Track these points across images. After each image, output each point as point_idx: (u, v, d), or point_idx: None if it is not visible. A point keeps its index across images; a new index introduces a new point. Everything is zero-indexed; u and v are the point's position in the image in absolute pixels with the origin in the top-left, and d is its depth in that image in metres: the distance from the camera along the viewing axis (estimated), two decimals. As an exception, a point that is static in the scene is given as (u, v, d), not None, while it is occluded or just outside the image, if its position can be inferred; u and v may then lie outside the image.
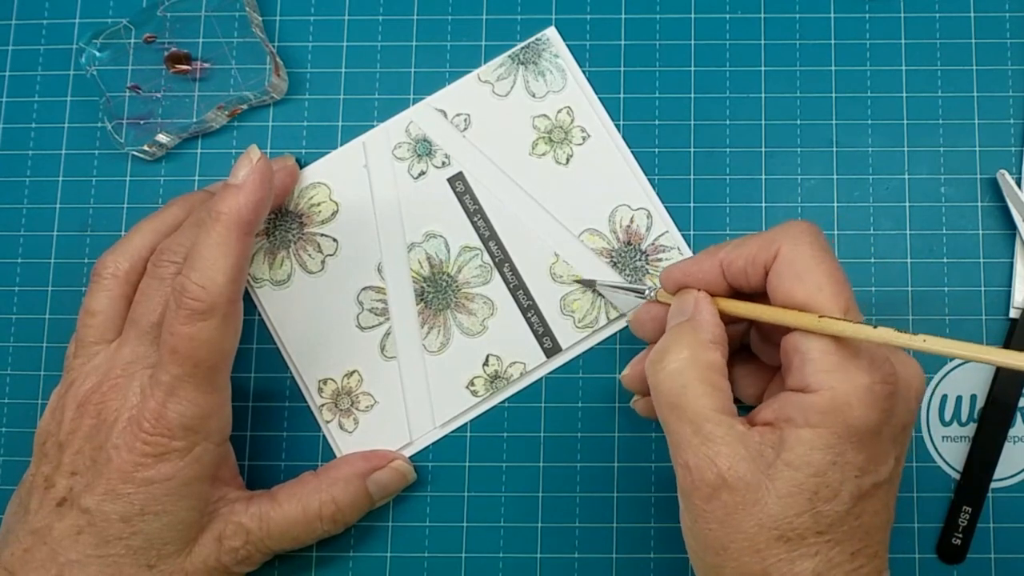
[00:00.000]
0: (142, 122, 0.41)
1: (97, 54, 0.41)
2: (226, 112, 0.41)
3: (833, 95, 0.41)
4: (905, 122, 0.41)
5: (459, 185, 0.40)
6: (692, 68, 0.41)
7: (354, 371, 0.39)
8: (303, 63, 0.42)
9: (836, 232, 0.40)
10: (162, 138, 0.40)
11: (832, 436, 0.28)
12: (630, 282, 0.39)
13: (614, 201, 0.40)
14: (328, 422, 0.39)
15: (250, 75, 0.41)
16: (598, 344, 0.39)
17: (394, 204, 0.40)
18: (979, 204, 0.40)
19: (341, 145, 0.41)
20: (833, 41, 0.41)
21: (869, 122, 0.41)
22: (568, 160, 0.40)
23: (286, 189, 0.39)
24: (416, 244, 0.40)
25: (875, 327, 0.27)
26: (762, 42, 0.41)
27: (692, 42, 0.41)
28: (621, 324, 0.39)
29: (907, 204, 0.40)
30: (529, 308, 0.39)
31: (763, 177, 0.40)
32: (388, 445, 0.39)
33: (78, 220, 0.41)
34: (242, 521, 0.34)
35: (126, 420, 0.32)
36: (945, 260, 0.40)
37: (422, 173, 0.40)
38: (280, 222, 0.40)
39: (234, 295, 0.33)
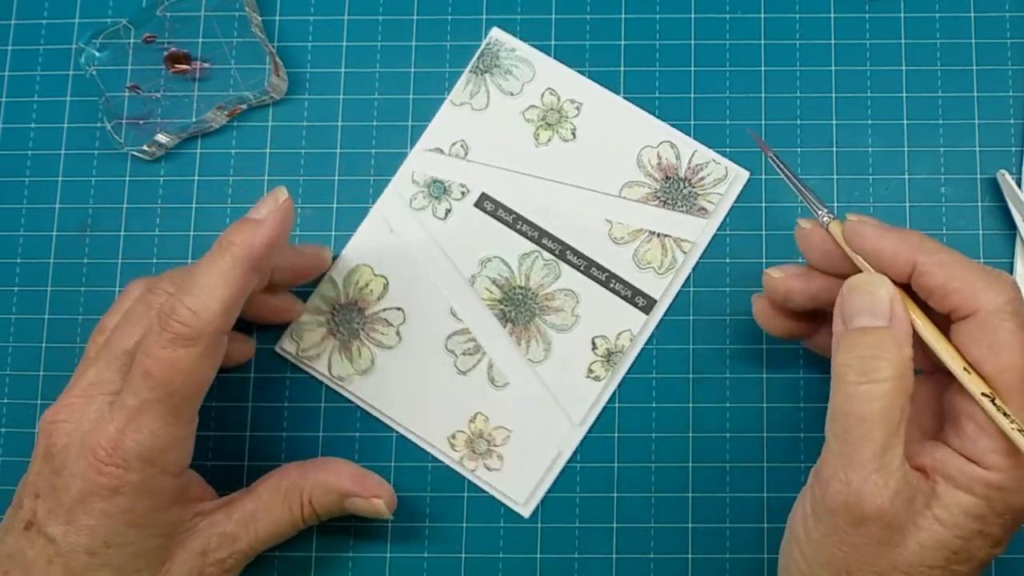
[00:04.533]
0: (142, 122, 0.41)
1: (97, 54, 0.41)
2: (226, 112, 0.41)
3: (833, 95, 0.41)
4: (905, 122, 0.40)
5: (488, 205, 0.40)
6: (692, 68, 0.41)
7: (476, 413, 0.39)
8: (303, 63, 0.42)
9: (836, 232, 0.40)
10: (162, 138, 0.40)
11: (989, 510, 0.28)
12: (685, 211, 0.39)
13: (634, 148, 0.40)
14: (473, 470, 0.38)
15: (250, 75, 0.41)
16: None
17: (436, 249, 0.40)
18: (979, 204, 0.40)
19: (340, 145, 0.41)
20: (833, 41, 0.41)
21: (869, 122, 0.41)
22: (574, 134, 0.40)
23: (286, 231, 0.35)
24: (476, 275, 0.40)
25: None
26: (762, 42, 0.41)
27: (692, 42, 0.41)
28: (695, 256, 0.39)
29: (907, 204, 0.40)
30: (609, 279, 0.39)
31: (763, 177, 0.40)
32: (539, 465, 0.38)
33: (78, 220, 0.41)
34: (227, 531, 0.34)
35: (79, 445, 0.31)
36: (945, 260, 0.40)
37: (448, 211, 0.40)
38: (339, 317, 0.39)
39: (224, 327, 0.32)
